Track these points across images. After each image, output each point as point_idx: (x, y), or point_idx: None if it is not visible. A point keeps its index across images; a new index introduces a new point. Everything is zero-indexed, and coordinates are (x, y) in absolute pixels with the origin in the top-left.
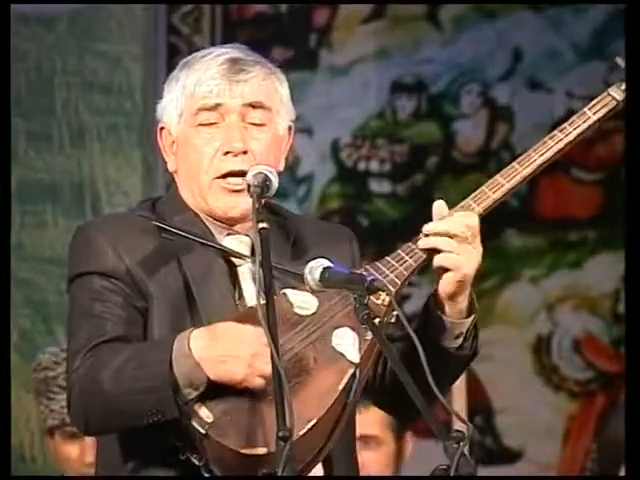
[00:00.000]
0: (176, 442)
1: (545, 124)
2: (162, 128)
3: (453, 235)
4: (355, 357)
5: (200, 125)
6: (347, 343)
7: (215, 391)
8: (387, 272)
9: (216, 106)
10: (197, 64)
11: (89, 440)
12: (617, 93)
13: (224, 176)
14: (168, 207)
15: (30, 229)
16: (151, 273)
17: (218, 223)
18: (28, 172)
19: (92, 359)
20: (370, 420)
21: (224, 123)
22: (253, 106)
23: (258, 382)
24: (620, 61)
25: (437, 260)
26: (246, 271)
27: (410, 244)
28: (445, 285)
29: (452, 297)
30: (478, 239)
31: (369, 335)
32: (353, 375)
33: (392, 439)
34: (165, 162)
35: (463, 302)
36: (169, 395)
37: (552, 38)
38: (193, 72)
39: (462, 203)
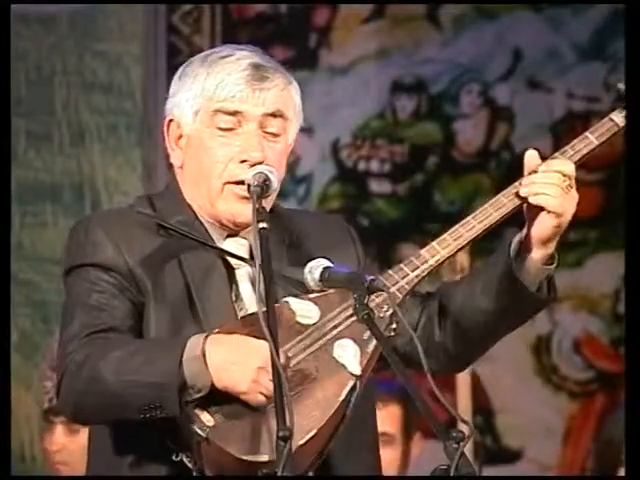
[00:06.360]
0: (170, 444)
1: (545, 124)
2: (171, 120)
3: (555, 182)
4: (356, 369)
5: (216, 128)
6: (349, 355)
7: (217, 396)
8: (389, 285)
9: (236, 112)
10: (217, 66)
11: (59, 431)
12: (619, 118)
13: (237, 183)
14: (167, 205)
15: (30, 229)
16: (150, 270)
17: (218, 225)
18: (28, 172)
19: (88, 347)
20: (386, 418)
21: (242, 130)
22: (274, 115)
23: (259, 398)
24: (621, 86)
25: (543, 203)
26: (244, 274)
27: (412, 258)
28: (543, 229)
29: (546, 242)
30: (574, 187)
31: (370, 348)
32: (353, 387)
33: (404, 438)
34: (167, 156)
35: (552, 248)
36: (174, 393)
37: (552, 38)
38: (215, 74)
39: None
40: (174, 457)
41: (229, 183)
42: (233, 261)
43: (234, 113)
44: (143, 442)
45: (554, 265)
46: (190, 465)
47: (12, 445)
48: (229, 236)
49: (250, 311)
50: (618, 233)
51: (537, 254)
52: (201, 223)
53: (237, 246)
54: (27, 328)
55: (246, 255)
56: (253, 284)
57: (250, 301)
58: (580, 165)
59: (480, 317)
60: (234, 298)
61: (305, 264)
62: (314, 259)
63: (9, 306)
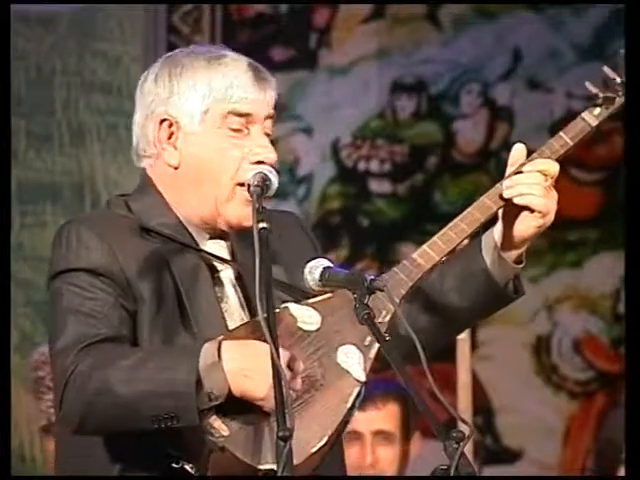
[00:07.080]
0: (171, 451)
1: (545, 124)
2: (164, 120)
3: (540, 182)
4: (361, 375)
5: (228, 129)
6: (353, 361)
7: (231, 405)
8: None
9: (247, 114)
10: (219, 66)
11: None
12: (590, 118)
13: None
14: (145, 207)
15: (30, 229)
16: (142, 275)
17: (202, 228)
18: (28, 172)
19: (90, 357)
20: (386, 416)
21: (248, 131)
22: (271, 117)
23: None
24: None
25: (528, 203)
26: (227, 276)
27: (405, 263)
28: (525, 229)
29: (525, 241)
30: (554, 186)
31: (372, 353)
32: (358, 393)
33: (404, 437)
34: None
35: (524, 248)
36: (191, 402)
37: (552, 38)
38: (221, 74)
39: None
40: (174, 464)
41: (240, 184)
42: (216, 263)
43: (245, 115)
44: (139, 449)
45: (523, 264)
46: (192, 472)
47: (12, 445)
48: (212, 238)
49: (236, 313)
50: (618, 233)
51: (512, 253)
52: (183, 225)
53: (218, 247)
54: (27, 328)
55: (228, 257)
56: (236, 286)
57: (235, 303)
58: (580, 165)
59: (451, 312)
60: (219, 300)
61: (274, 264)
62: (280, 259)
63: (9, 306)
